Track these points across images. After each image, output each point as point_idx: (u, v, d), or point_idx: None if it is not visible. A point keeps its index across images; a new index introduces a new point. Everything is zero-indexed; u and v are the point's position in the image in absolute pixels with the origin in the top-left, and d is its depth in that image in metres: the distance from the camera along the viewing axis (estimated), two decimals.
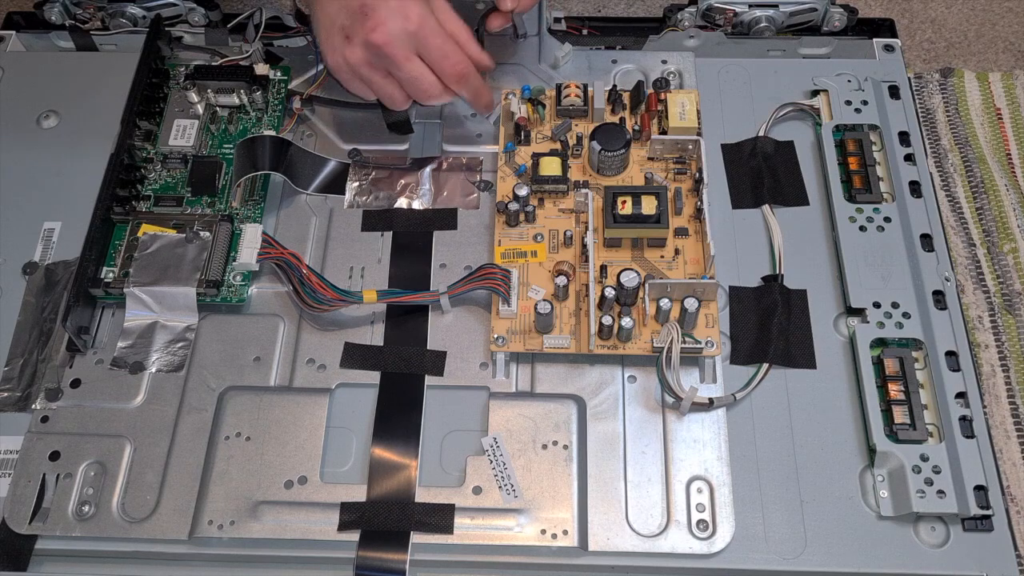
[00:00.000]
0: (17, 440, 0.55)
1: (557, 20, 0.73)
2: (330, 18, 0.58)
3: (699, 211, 0.59)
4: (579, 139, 0.64)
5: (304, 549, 0.52)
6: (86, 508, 0.52)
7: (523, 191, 0.60)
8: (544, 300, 0.55)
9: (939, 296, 0.58)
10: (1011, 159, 0.78)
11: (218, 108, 0.67)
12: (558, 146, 0.63)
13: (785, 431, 0.55)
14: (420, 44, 0.57)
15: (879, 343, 0.57)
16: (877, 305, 0.58)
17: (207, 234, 0.60)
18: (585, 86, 0.65)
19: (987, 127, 0.79)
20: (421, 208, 0.63)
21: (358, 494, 0.52)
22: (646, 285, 0.55)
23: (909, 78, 0.69)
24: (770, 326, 0.57)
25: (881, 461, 0.53)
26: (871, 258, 0.60)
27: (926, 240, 0.61)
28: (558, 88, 0.65)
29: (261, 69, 0.66)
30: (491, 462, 0.53)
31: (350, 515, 0.52)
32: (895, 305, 0.58)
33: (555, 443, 0.54)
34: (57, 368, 0.57)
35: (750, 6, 0.69)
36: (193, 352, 0.58)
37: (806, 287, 0.60)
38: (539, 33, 0.71)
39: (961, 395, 0.54)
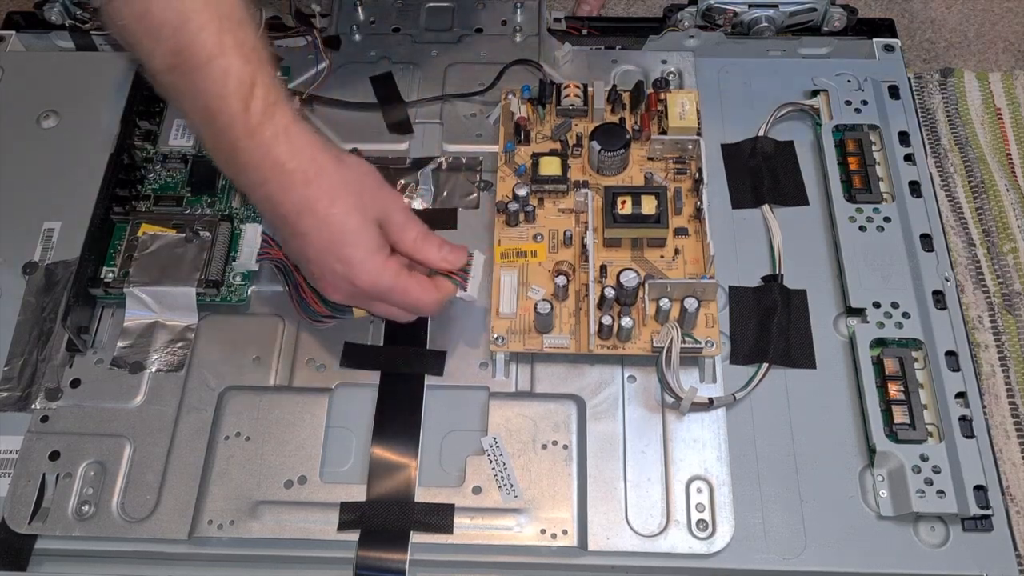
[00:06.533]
0: (17, 440, 0.55)
1: (557, 20, 0.73)
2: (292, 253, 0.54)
3: (699, 211, 0.59)
4: (579, 139, 0.63)
5: (304, 549, 0.52)
6: (86, 508, 0.52)
7: (523, 191, 0.60)
8: (544, 300, 0.55)
9: (939, 296, 0.58)
10: (1011, 159, 0.78)
11: None
12: (558, 146, 0.63)
13: (785, 431, 0.55)
14: (378, 300, 0.53)
15: (879, 343, 0.57)
16: (877, 305, 0.58)
17: (207, 234, 0.60)
18: (585, 86, 0.65)
19: (987, 127, 0.79)
20: (421, 208, 0.63)
21: (358, 494, 0.52)
22: (646, 285, 0.55)
23: (909, 78, 0.69)
24: (770, 326, 0.57)
25: (881, 461, 0.53)
26: (871, 258, 0.60)
27: (926, 240, 0.61)
28: (558, 88, 0.65)
29: None
30: (491, 462, 0.53)
31: (350, 515, 0.52)
32: (895, 305, 0.58)
33: (555, 443, 0.54)
34: (57, 368, 0.57)
35: (750, 6, 0.69)
36: (193, 352, 0.58)
37: (806, 287, 0.60)
38: (539, 33, 0.71)
39: (961, 395, 0.54)
